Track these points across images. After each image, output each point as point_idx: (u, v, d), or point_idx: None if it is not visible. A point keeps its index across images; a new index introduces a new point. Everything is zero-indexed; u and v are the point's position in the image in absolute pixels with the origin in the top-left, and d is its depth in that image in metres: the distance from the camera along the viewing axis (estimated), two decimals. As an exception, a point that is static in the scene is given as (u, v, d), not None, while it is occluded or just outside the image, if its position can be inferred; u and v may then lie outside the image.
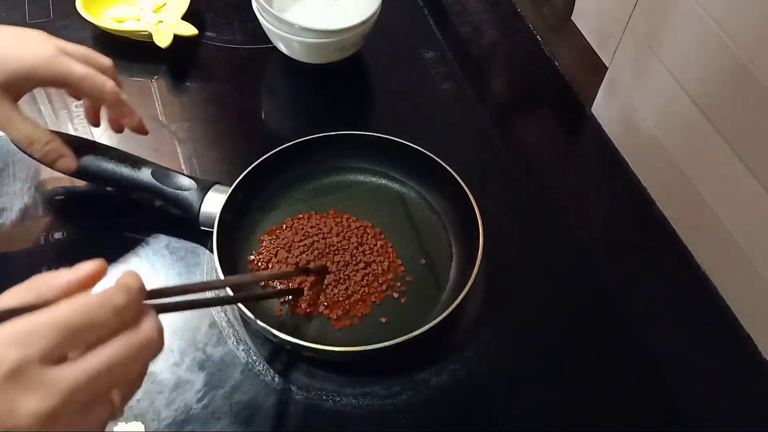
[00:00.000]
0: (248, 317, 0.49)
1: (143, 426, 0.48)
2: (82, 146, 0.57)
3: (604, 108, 0.71)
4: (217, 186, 0.57)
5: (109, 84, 0.52)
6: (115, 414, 0.31)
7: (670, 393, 0.52)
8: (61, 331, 0.28)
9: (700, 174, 0.58)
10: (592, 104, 0.72)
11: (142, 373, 0.33)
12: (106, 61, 0.54)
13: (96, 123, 0.58)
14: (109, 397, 0.31)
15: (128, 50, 0.74)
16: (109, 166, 0.57)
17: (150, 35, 0.71)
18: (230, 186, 0.57)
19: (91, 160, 0.57)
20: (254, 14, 0.71)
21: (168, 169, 0.58)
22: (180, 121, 0.69)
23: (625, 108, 0.67)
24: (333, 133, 0.62)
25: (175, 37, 0.71)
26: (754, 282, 0.53)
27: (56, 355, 0.29)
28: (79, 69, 0.50)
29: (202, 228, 0.56)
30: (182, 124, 0.68)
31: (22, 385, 0.27)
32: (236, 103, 0.72)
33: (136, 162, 0.57)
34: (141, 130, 0.56)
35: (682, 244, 0.62)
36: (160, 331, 0.32)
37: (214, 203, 0.56)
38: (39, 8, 0.79)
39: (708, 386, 0.53)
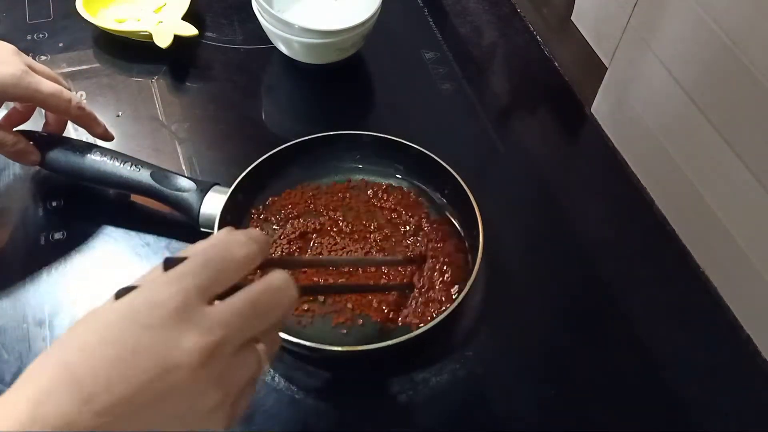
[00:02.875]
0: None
1: (143, 426, 0.48)
2: (81, 148, 0.57)
3: (604, 108, 0.71)
4: (216, 187, 0.57)
5: (74, 99, 0.56)
6: (262, 368, 0.33)
7: (670, 393, 0.52)
8: (206, 266, 0.31)
9: (699, 174, 0.58)
10: (592, 104, 0.72)
11: (280, 324, 0.34)
12: (66, 89, 0.57)
13: (60, 131, 0.60)
14: (256, 349, 0.32)
15: (128, 50, 0.74)
16: (108, 168, 0.57)
17: (150, 35, 0.71)
18: (229, 187, 0.57)
19: (90, 163, 0.57)
20: (254, 14, 0.71)
21: (167, 170, 0.58)
22: (180, 121, 0.69)
23: (624, 108, 0.67)
24: (333, 133, 0.62)
25: (175, 37, 0.71)
26: (754, 282, 0.53)
27: (210, 294, 0.30)
28: (46, 86, 0.54)
29: (203, 230, 0.56)
30: (182, 124, 0.69)
31: (185, 320, 0.29)
32: (236, 103, 0.72)
33: (135, 164, 0.57)
34: (106, 137, 0.60)
35: (682, 244, 0.62)
36: (290, 280, 0.33)
37: (213, 204, 0.56)
38: (39, 8, 0.79)
39: (708, 386, 0.53)
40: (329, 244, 0.57)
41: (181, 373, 0.28)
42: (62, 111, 0.56)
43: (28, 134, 0.58)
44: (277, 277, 0.33)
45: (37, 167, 0.59)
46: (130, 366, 0.28)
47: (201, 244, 0.33)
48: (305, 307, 0.53)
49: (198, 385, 0.29)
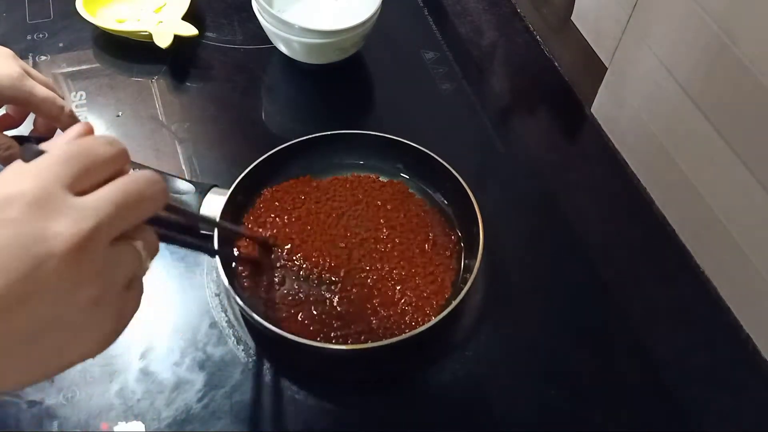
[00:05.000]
0: (249, 315, 0.50)
1: (143, 426, 0.48)
2: None
3: (604, 108, 0.71)
4: (215, 189, 0.57)
5: (67, 107, 0.56)
6: (143, 266, 0.31)
7: (670, 393, 0.52)
8: (69, 159, 0.29)
9: (699, 174, 0.58)
10: (592, 104, 0.72)
11: (152, 229, 0.33)
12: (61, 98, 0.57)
13: (50, 134, 0.60)
14: (133, 245, 0.31)
15: (128, 50, 0.74)
16: None
17: (150, 35, 0.71)
18: (228, 188, 0.56)
19: None
20: (254, 14, 0.71)
21: (165, 173, 0.57)
22: (180, 121, 0.69)
23: (624, 108, 0.67)
24: (332, 133, 0.62)
25: (175, 37, 0.71)
26: (754, 282, 0.53)
27: (75, 188, 0.29)
28: (41, 91, 0.54)
29: (202, 232, 0.56)
30: (182, 124, 0.69)
31: (49, 210, 0.27)
32: (236, 103, 0.72)
33: (132, 167, 0.56)
34: None
35: (682, 244, 0.62)
36: (158, 175, 0.32)
37: (213, 206, 0.56)
38: (39, 8, 0.79)
39: (708, 386, 0.53)
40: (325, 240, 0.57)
41: (53, 263, 0.26)
42: (54, 117, 0.56)
43: (20, 139, 0.57)
44: (146, 171, 0.32)
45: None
46: None
47: (61, 141, 0.31)
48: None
49: (71, 277, 0.27)
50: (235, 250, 0.55)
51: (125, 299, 0.31)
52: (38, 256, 0.26)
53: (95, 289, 0.28)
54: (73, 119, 0.58)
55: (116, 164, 0.31)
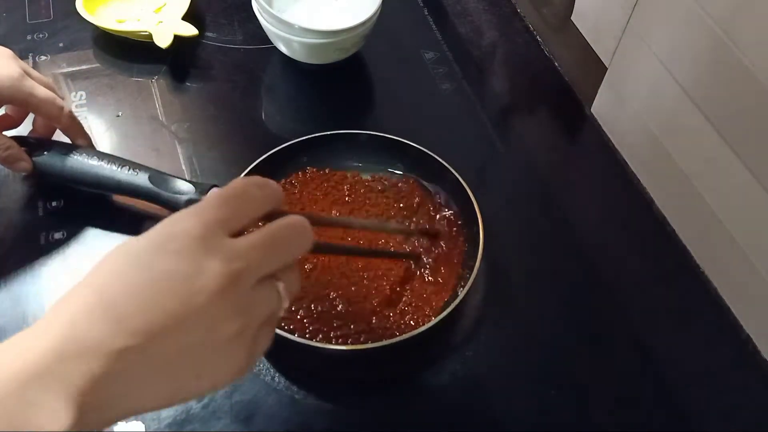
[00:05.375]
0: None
1: (143, 426, 0.48)
2: (77, 153, 0.57)
3: (604, 108, 0.71)
4: (215, 189, 0.57)
5: (67, 108, 0.56)
6: (281, 305, 0.34)
7: (670, 393, 0.52)
8: (226, 200, 0.32)
9: (700, 174, 0.58)
10: (592, 104, 0.72)
11: (297, 267, 0.35)
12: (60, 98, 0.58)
13: (49, 135, 0.60)
14: (275, 285, 0.33)
15: (128, 50, 0.74)
16: (106, 172, 0.56)
17: (150, 35, 0.71)
18: (229, 188, 0.57)
19: (86, 167, 0.57)
20: (254, 14, 0.71)
21: (165, 173, 0.57)
22: (180, 121, 0.69)
23: (625, 108, 0.67)
24: (332, 132, 0.62)
25: (175, 37, 0.71)
26: (755, 282, 0.53)
27: (230, 228, 0.32)
28: (41, 91, 0.54)
29: None
30: (182, 124, 0.68)
31: (207, 248, 0.30)
32: (236, 103, 0.72)
33: (133, 167, 0.57)
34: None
35: (681, 244, 0.62)
36: (306, 221, 0.34)
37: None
38: (39, 8, 0.79)
39: (708, 386, 0.53)
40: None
41: (203, 298, 0.29)
42: (54, 118, 0.56)
43: (20, 139, 0.57)
44: (295, 217, 0.34)
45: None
46: (158, 290, 0.29)
47: (219, 189, 0.34)
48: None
49: (218, 311, 0.30)
50: None
51: (259, 337, 0.33)
52: (193, 289, 0.29)
53: (236, 324, 0.31)
54: (72, 120, 0.58)
55: (267, 205, 0.34)
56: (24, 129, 0.60)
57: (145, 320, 0.29)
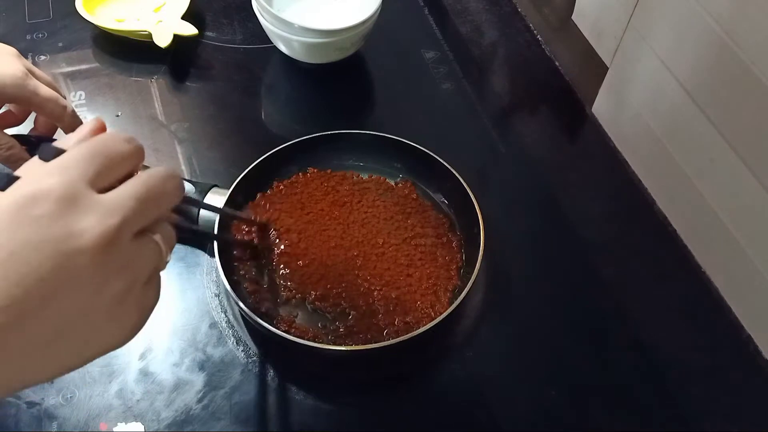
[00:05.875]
0: (248, 315, 0.49)
1: (143, 426, 0.48)
2: None
3: (604, 108, 0.71)
4: (215, 188, 0.57)
5: (69, 107, 0.56)
6: (163, 259, 0.32)
7: (670, 393, 0.52)
8: (91, 156, 0.30)
9: (700, 174, 0.57)
10: (592, 104, 0.72)
11: (171, 217, 0.34)
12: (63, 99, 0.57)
13: (51, 134, 0.60)
14: (153, 239, 0.32)
15: (128, 50, 0.74)
16: None
17: (150, 35, 0.71)
18: (228, 188, 0.56)
19: None
20: (254, 14, 0.71)
21: None
22: (180, 121, 0.69)
23: (625, 108, 0.67)
24: (332, 132, 0.62)
25: (175, 36, 0.71)
26: (755, 282, 0.53)
27: (97, 184, 0.29)
28: (45, 90, 0.54)
29: (194, 228, 0.56)
30: (182, 124, 0.68)
31: (76, 207, 0.28)
32: (236, 103, 0.72)
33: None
34: None
35: (682, 244, 0.62)
36: (175, 169, 0.33)
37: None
38: (38, 8, 0.79)
39: (708, 386, 0.53)
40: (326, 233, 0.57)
41: (82, 259, 0.27)
42: (56, 117, 0.56)
43: (22, 138, 0.57)
44: (162, 167, 0.32)
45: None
46: (24, 260, 0.26)
47: (78, 137, 0.32)
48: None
49: (100, 271, 0.28)
50: (233, 235, 0.56)
51: (147, 293, 0.31)
52: (67, 253, 0.27)
53: (121, 283, 0.29)
54: (75, 119, 0.58)
55: (134, 160, 0.32)
56: (24, 128, 0.60)
57: (14, 295, 0.26)
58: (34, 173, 0.29)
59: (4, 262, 0.26)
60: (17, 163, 0.56)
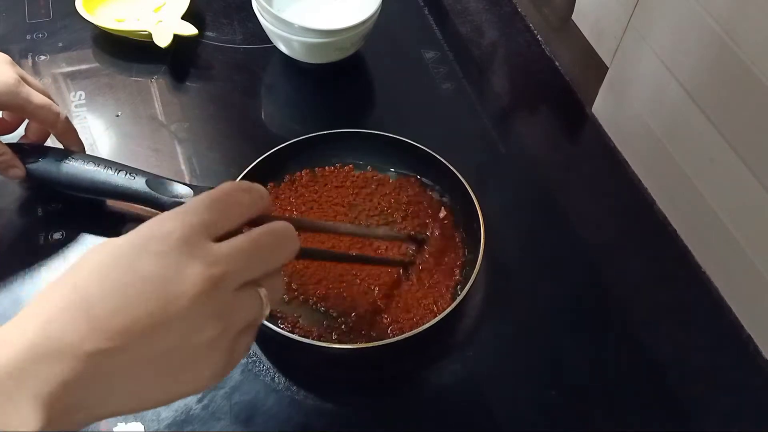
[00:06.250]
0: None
1: (143, 426, 0.48)
2: (71, 158, 0.56)
3: (604, 108, 0.71)
4: None
5: (63, 114, 0.56)
6: (263, 312, 0.33)
7: (671, 393, 0.52)
8: (211, 205, 0.32)
9: (700, 174, 0.57)
10: (592, 104, 0.72)
11: (280, 275, 0.35)
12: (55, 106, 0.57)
13: (42, 141, 0.59)
14: (258, 292, 0.33)
15: (128, 50, 0.74)
16: (102, 177, 0.55)
17: (150, 35, 0.71)
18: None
19: (82, 173, 0.56)
20: (254, 14, 0.71)
21: (163, 177, 0.57)
22: (180, 121, 0.69)
23: (625, 108, 0.67)
24: (332, 131, 0.62)
25: (175, 36, 0.71)
26: (755, 282, 0.53)
27: (213, 232, 0.31)
28: (38, 97, 0.54)
29: None
30: (182, 124, 0.68)
31: (189, 252, 0.30)
32: (236, 103, 0.72)
33: (129, 172, 0.56)
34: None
35: (682, 244, 0.62)
36: (292, 228, 0.34)
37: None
38: (38, 8, 0.79)
39: (708, 386, 0.53)
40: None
41: (183, 302, 0.29)
42: (50, 124, 0.56)
43: (14, 147, 0.56)
44: (280, 223, 0.34)
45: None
46: (137, 291, 0.29)
47: (205, 192, 0.34)
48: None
49: (198, 315, 0.30)
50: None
51: (239, 341, 0.33)
52: (173, 292, 0.29)
53: (216, 329, 0.30)
54: (68, 125, 0.58)
55: (253, 210, 0.34)
56: (14, 137, 0.59)
57: (121, 322, 0.28)
58: (159, 217, 0.31)
59: (121, 289, 0.28)
60: (8, 170, 0.56)
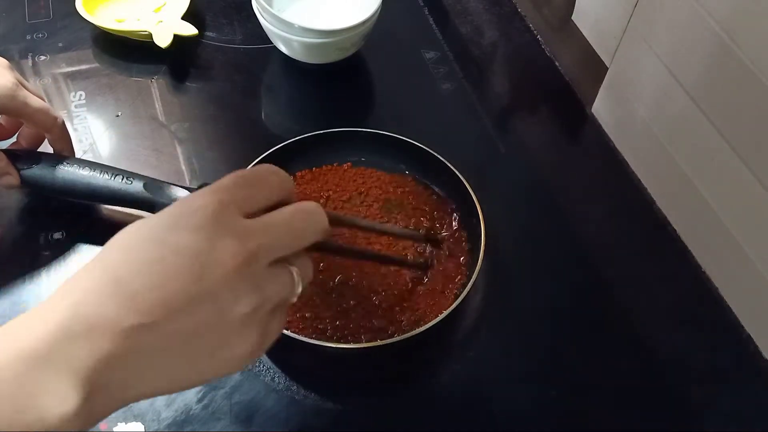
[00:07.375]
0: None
1: (143, 426, 0.48)
2: (67, 164, 0.55)
3: (604, 108, 0.71)
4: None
5: (60, 118, 0.56)
6: (294, 290, 0.33)
7: (671, 393, 0.52)
8: (244, 183, 0.32)
9: (700, 174, 0.57)
10: (592, 104, 0.72)
11: (308, 256, 0.35)
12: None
13: (35, 146, 0.59)
14: (289, 269, 0.33)
15: (128, 50, 0.74)
16: (99, 182, 0.54)
17: (150, 35, 0.71)
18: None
19: (78, 179, 0.55)
20: (254, 14, 0.71)
21: (161, 181, 0.56)
22: (180, 121, 0.69)
23: (625, 108, 0.67)
24: (332, 130, 0.62)
25: (175, 37, 0.71)
26: (755, 282, 0.53)
27: (244, 209, 0.31)
28: (35, 101, 0.54)
29: None
30: (182, 124, 0.68)
31: (223, 226, 0.30)
32: (236, 103, 0.72)
33: (127, 176, 0.55)
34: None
35: (682, 244, 0.62)
36: (320, 207, 0.34)
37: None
38: (38, 8, 0.79)
39: (708, 386, 0.53)
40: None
41: (218, 275, 0.29)
42: (47, 128, 0.56)
43: (6, 152, 0.55)
44: (310, 202, 0.34)
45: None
46: (171, 265, 0.28)
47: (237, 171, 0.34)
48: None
49: (233, 289, 0.29)
50: None
51: (272, 320, 0.33)
52: (207, 266, 0.29)
53: (250, 304, 0.30)
54: (64, 130, 0.57)
55: (280, 191, 0.34)
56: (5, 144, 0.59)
57: (157, 297, 0.28)
58: (191, 195, 0.31)
59: (153, 265, 0.28)
60: (1, 178, 0.55)
